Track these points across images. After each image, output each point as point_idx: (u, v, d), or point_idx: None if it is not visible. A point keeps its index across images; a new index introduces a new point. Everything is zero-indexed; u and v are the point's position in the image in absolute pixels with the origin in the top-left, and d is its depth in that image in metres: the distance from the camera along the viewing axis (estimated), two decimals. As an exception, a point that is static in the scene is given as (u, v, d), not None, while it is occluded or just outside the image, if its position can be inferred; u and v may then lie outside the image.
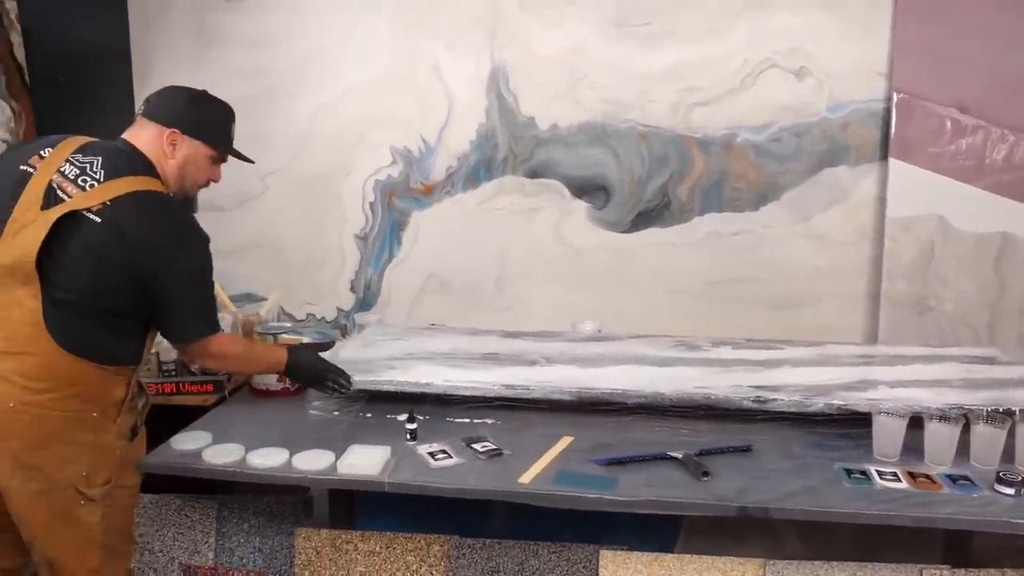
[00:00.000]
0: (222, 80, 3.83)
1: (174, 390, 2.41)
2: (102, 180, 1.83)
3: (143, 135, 1.96)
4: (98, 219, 1.80)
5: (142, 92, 3.91)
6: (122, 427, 1.93)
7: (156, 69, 3.90)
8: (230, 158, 2.14)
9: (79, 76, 3.88)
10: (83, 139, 1.94)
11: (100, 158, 1.87)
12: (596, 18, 3.53)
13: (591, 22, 3.54)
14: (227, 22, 3.80)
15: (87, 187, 1.82)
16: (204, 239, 1.96)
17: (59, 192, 1.81)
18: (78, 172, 1.83)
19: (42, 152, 1.89)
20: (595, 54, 3.56)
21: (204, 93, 2.09)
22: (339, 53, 3.73)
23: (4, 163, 1.93)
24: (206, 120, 2.05)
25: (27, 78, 3.80)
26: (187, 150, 1.99)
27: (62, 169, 1.83)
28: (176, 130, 1.96)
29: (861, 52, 3.42)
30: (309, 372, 2.26)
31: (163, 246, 1.86)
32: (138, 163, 1.91)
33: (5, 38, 3.69)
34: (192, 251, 1.93)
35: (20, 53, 3.76)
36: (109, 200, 1.81)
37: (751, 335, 2.78)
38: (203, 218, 3.96)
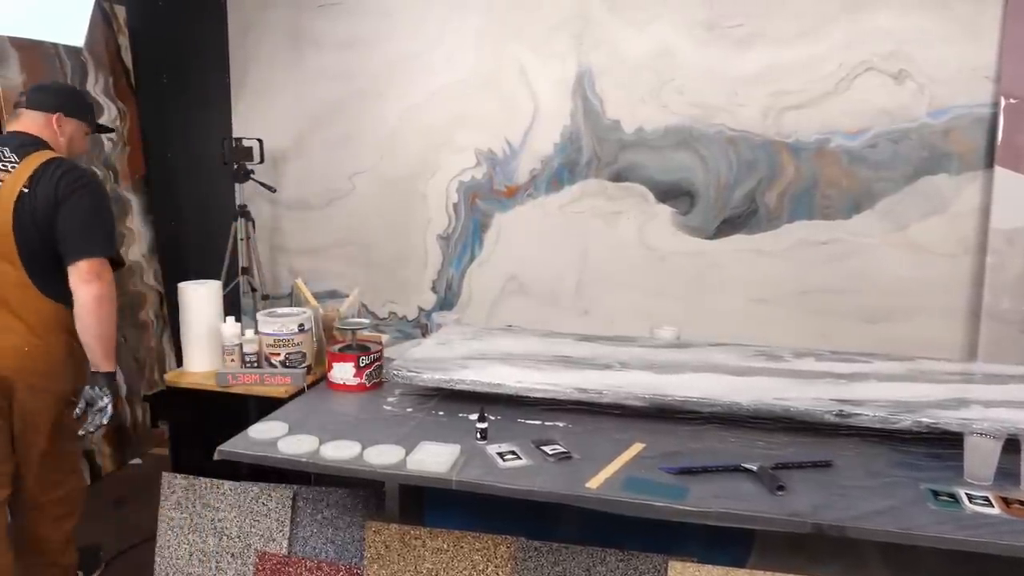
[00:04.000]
0: (314, 82, 3.96)
1: (256, 380, 2.48)
2: (19, 161, 2.33)
3: (30, 123, 2.46)
4: (27, 189, 2.29)
5: (240, 92, 4.07)
6: None
7: (252, 70, 4.04)
8: None
9: (181, 77, 4.05)
10: None
11: (7, 148, 2.37)
12: (686, 20, 3.48)
13: (680, 24, 3.49)
14: (320, 27, 3.90)
15: (10, 169, 2.32)
16: (99, 181, 2.59)
17: None
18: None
19: None
20: (684, 57, 3.51)
21: (68, 85, 2.69)
22: (427, 57, 3.79)
23: None
24: (79, 104, 2.60)
25: (132, 79, 3.99)
26: (71, 128, 2.53)
27: None
28: (60, 114, 2.49)
29: (966, 55, 3.26)
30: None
31: (66, 188, 2.33)
32: (39, 143, 2.42)
33: (113, 41, 3.88)
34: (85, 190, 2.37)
35: (127, 56, 3.95)
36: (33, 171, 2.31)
37: (840, 349, 2.67)
38: (292, 216, 4.12)
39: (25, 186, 2.29)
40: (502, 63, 3.69)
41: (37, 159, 2.34)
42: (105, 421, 2.36)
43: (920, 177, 3.39)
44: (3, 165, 2.33)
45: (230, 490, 2.37)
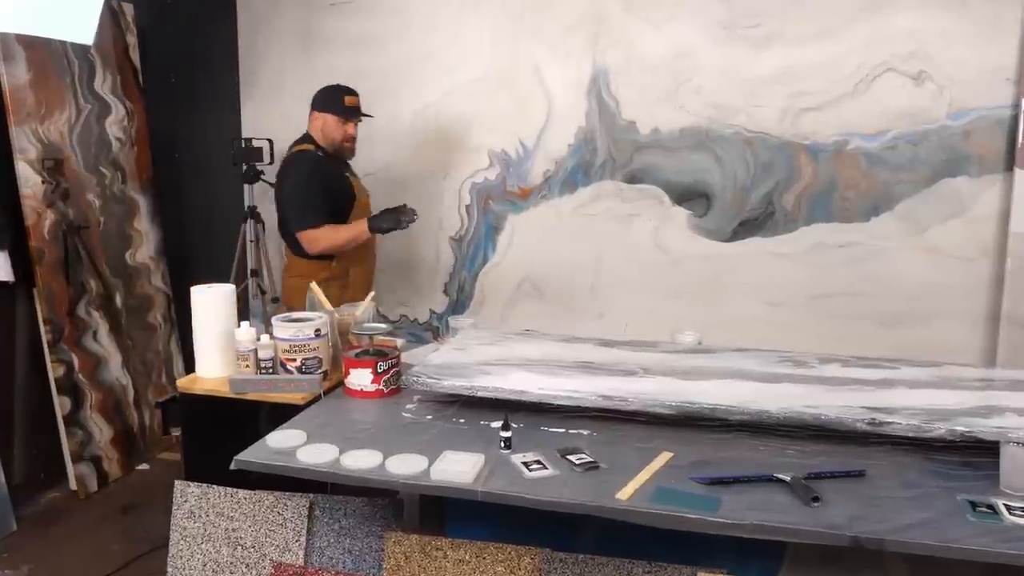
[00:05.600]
0: (325, 81, 3.87)
1: (270, 387, 2.43)
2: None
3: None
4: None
5: (248, 92, 4.02)
6: None
7: (262, 70, 3.99)
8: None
9: (189, 76, 4.01)
10: None
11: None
12: (703, 20, 3.44)
13: (698, 24, 3.45)
14: (331, 25, 3.86)
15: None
16: (306, 169, 3.14)
17: None
18: None
19: None
20: (701, 57, 3.47)
21: (328, 84, 3.31)
22: (441, 56, 3.75)
23: None
24: (325, 98, 3.26)
25: (140, 78, 3.93)
26: (322, 121, 3.23)
27: None
28: (314, 111, 3.26)
29: (987, 56, 3.23)
30: (386, 220, 3.13)
31: (276, 177, 3.27)
32: (306, 139, 3.26)
33: (121, 39, 3.83)
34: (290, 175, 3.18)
35: (135, 54, 3.90)
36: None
37: (857, 353, 2.63)
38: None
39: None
40: (517, 63, 3.65)
41: (289, 152, 3.24)
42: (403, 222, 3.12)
43: (939, 180, 3.36)
44: None
45: (245, 499, 2.32)
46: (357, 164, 3.89)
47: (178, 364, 4.17)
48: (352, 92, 3.26)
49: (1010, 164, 3.26)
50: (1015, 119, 3.22)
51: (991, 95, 3.25)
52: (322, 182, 3.14)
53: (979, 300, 3.39)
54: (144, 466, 3.85)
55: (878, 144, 3.38)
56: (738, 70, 3.43)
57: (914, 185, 3.38)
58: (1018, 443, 1.87)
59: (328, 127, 3.20)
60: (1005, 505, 1.79)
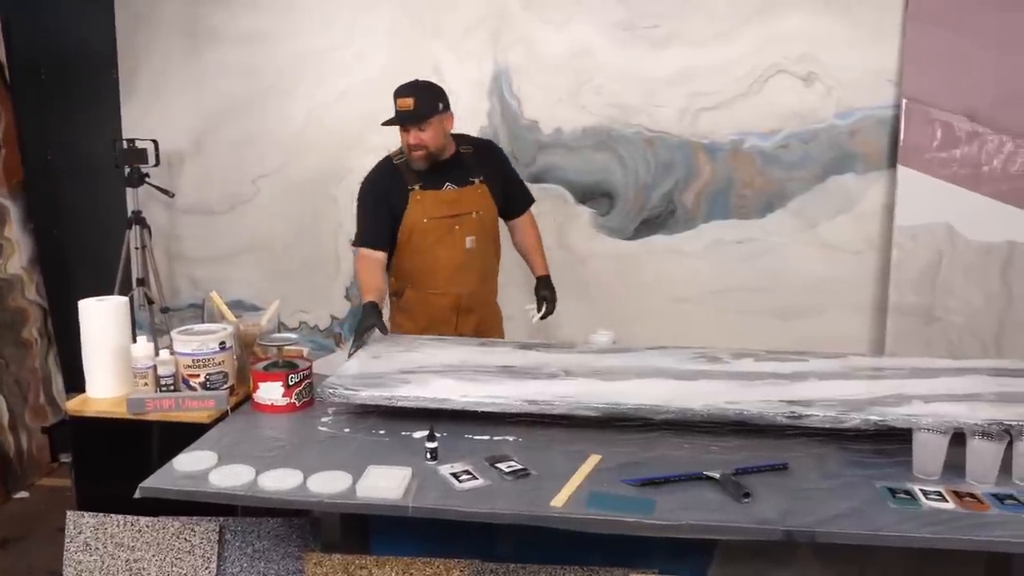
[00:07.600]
0: (213, 79, 3.72)
1: (172, 406, 2.27)
2: None
3: None
4: None
5: (128, 89, 3.78)
6: None
7: (143, 65, 3.75)
8: None
9: (62, 72, 3.73)
10: None
11: None
12: (603, 20, 3.45)
13: (597, 24, 3.46)
14: (219, 18, 3.67)
15: None
16: (365, 180, 2.86)
17: None
18: None
19: None
20: (601, 57, 3.48)
21: None
22: (336, 53, 3.62)
23: None
24: None
25: (6, 74, 3.64)
26: None
27: None
28: None
29: (870, 58, 3.38)
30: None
31: None
32: None
33: (-16, 32, 3.53)
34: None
35: (0, 49, 3.60)
36: None
37: (756, 345, 2.70)
38: (191, 221, 3.87)
39: None
40: (416, 62, 3.56)
41: None
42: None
43: (829, 177, 3.49)
44: None
45: (147, 527, 2.16)
46: (246, 165, 3.74)
47: (58, 383, 3.87)
48: (405, 93, 2.72)
49: (893, 161, 3.42)
50: (896, 119, 3.39)
51: (875, 96, 3.40)
52: (376, 197, 2.80)
53: (867, 291, 3.55)
54: (23, 494, 3.55)
55: (772, 143, 3.48)
56: (638, 70, 3.47)
57: (805, 182, 3.50)
58: (928, 430, 1.94)
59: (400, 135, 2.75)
60: (921, 490, 1.86)
